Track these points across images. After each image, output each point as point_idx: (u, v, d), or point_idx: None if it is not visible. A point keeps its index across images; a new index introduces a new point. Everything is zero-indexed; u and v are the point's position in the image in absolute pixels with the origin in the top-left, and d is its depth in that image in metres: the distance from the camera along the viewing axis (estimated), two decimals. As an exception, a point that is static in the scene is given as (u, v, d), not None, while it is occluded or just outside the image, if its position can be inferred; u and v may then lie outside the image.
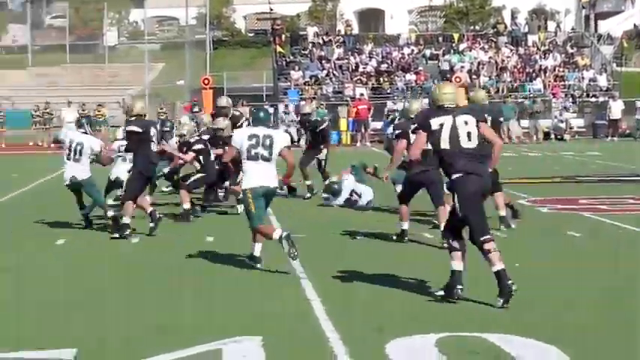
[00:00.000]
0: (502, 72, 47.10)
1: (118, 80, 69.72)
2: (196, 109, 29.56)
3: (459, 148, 9.26)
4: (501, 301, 9.01)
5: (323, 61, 48.48)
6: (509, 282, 9.03)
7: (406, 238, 13.46)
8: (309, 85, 45.82)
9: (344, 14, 68.79)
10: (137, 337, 8.13)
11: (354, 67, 48.24)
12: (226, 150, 14.25)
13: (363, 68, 48.19)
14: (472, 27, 60.37)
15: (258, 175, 11.23)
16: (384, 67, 48.27)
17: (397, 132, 13.62)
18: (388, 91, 45.89)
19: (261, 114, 11.85)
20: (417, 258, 12.18)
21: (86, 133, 14.86)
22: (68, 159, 14.70)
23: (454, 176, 9.28)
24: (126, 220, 13.90)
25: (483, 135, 9.50)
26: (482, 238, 9.13)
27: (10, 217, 16.81)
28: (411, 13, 73.15)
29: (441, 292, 9.36)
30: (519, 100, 44.43)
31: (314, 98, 40.57)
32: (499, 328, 8.22)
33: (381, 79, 46.81)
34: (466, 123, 9.35)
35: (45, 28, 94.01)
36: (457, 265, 9.30)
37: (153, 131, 14.14)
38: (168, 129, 16.89)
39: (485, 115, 10.66)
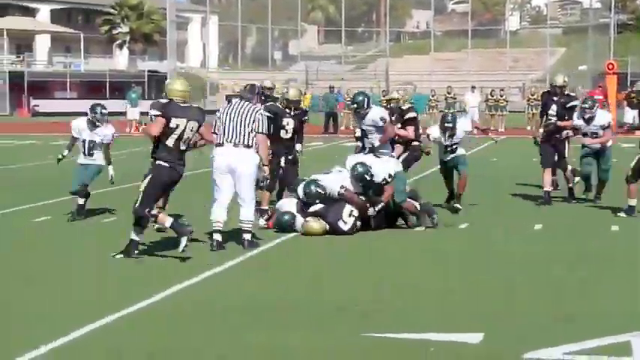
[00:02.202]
0: None
1: (519, 65, 69.77)
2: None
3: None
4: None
5: None
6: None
7: None
8: None
9: None
10: (543, 325, 8.07)
11: None
12: None
13: None
14: None
15: None
16: None
17: None
18: None
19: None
20: None
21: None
22: None
23: (158, 162, 10.94)
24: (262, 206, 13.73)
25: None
26: (147, 211, 10.89)
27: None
28: None
29: (121, 255, 11.01)
30: None
31: None
32: None
33: None
34: (192, 129, 11.02)
35: (447, 13, 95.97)
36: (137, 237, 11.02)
37: (285, 121, 14.23)
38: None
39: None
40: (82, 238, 11.66)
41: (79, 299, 9.03)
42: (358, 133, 14.54)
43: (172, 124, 10.95)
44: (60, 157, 14.66)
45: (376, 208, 13.07)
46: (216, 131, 11.77)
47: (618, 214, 14.55)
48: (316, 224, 12.81)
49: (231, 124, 11.69)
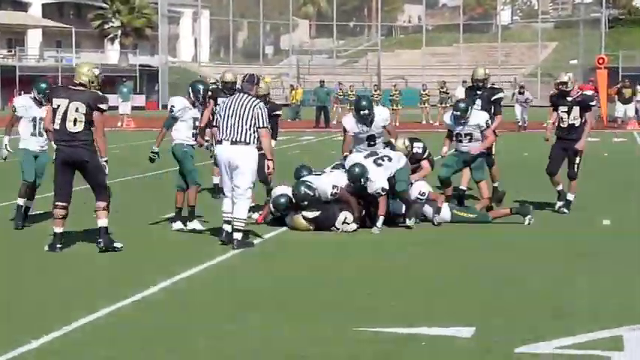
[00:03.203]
0: None
1: (510, 59, 69.82)
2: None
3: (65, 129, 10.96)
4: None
5: None
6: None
7: None
8: None
9: None
10: (535, 319, 8.07)
11: None
12: None
13: None
14: None
15: None
16: None
17: None
18: None
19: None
20: None
21: None
22: None
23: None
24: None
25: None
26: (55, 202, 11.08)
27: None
28: None
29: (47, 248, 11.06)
30: None
31: None
32: None
33: None
34: (77, 110, 10.99)
35: (439, 7, 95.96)
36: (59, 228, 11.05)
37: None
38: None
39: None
40: (78, 230, 11.64)
41: (72, 292, 9.03)
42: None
43: (54, 105, 11.16)
44: (3, 158, 13.74)
45: (377, 191, 12.64)
46: (216, 126, 11.59)
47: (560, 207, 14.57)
48: (304, 221, 12.72)
49: (229, 121, 11.32)
